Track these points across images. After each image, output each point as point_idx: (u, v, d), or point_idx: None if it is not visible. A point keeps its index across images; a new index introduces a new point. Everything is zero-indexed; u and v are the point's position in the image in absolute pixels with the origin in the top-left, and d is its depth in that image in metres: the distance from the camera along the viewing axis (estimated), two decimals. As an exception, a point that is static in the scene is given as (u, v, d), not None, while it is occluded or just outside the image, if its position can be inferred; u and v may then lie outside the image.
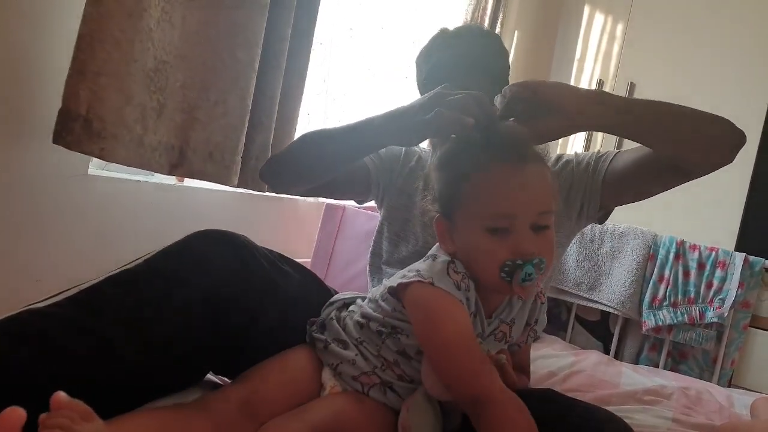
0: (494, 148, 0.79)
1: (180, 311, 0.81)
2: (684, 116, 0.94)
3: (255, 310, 0.88)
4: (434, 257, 0.82)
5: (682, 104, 0.94)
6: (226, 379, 0.96)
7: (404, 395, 0.83)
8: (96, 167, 1.28)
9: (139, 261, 0.85)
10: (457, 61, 1.15)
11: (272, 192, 1.18)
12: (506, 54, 1.25)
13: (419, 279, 0.78)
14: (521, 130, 0.84)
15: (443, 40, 1.20)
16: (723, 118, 0.95)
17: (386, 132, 0.94)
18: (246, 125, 1.29)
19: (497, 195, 0.76)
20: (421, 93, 1.17)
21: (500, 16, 2.45)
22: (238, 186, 1.34)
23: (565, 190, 1.16)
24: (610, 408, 0.85)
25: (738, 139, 0.96)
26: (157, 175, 1.37)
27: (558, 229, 1.18)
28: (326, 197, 1.39)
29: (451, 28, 1.24)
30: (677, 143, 0.95)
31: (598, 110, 0.89)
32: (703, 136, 0.95)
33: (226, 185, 1.29)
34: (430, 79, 1.15)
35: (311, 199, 1.87)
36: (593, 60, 2.64)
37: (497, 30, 2.46)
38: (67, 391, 0.59)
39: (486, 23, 2.39)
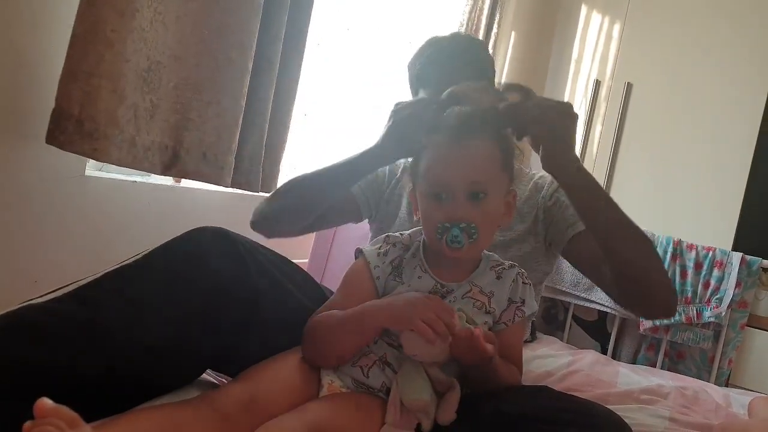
0: (445, 128, 0.90)
1: (179, 306, 0.81)
2: (638, 235, 1.02)
3: (254, 307, 0.88)
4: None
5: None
6: (223, 378, 0.96)
7: (398, 368, 0.85)
8: (93, 168, 1.28)
9: (138, 257, 0.85)
10: (448, 53, 1.24)
11: (269, 238, 1.22)
12: (487, 50, 1.36)
13: (360, 248, 0.96)
14: (471, 112, 0.92)
15: (433, 41, 1.30)
16: (670, 282, 1.04)
17: (372, 150, 1.05)
18: (239, 126, 1.29)
19: (437, 165, 0.88)
20: (413, 91, 1.29)
21: (497, 17, 2.45)
22: (232, 186, 1.35)
23: (548, 222, 1.22)
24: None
25: (670, 306, 1.03)
26: (154, 175, 1.37)
27: (539, 255, 1.23)
28: (323, 229, 1.44)
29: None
30: (619, 252, 1.00)
31: (569, 159, 0.94)
32: (647, 275, 1.00)
33: (219, 185, 1.30)
34: (423, 71, 1.25)
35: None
36: (590, 60, 2.64)
37: (494, 31, 2.46)
38: (63, 387, 0.59)
39: (483, 24, 2.40)
